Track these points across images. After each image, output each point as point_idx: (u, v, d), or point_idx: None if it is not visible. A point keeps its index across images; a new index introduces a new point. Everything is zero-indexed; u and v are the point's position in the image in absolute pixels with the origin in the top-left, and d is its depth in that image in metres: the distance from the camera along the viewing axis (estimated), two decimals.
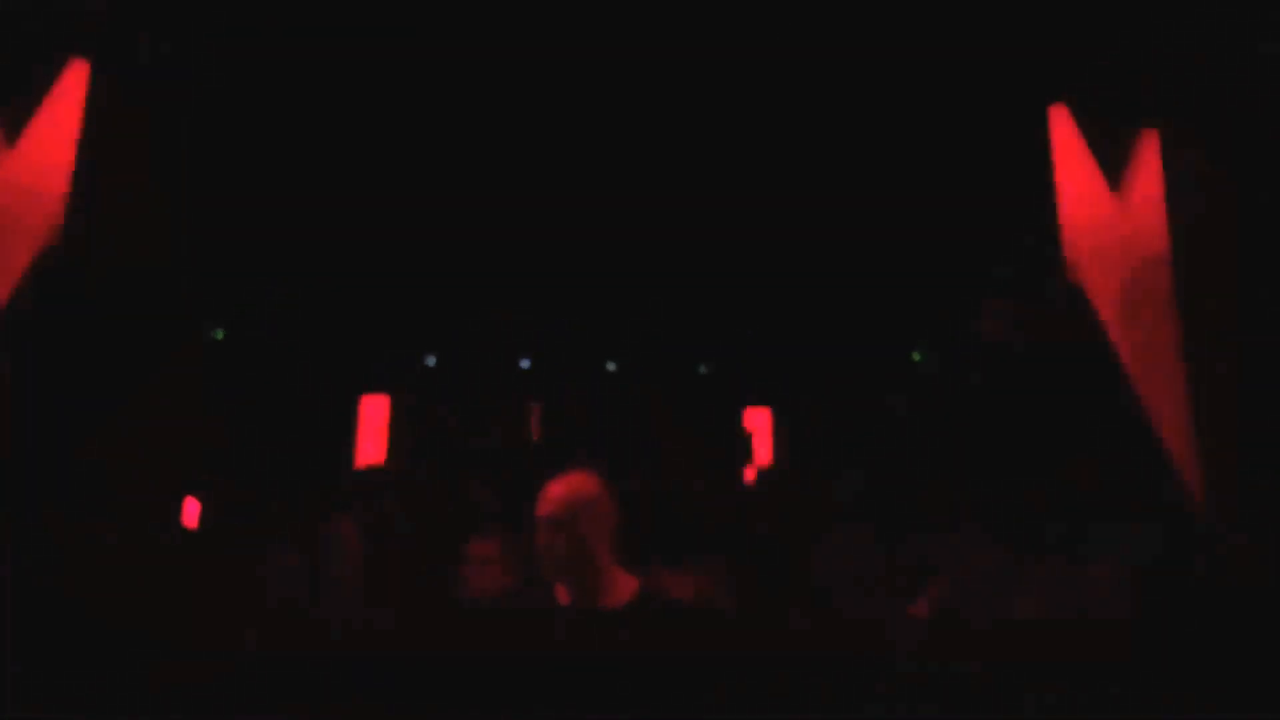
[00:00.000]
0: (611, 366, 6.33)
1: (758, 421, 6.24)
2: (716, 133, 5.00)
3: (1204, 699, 2.86)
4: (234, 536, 4.35)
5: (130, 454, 4.58)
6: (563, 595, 2.52)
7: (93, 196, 4.23)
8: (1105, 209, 4.23)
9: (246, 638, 3.02)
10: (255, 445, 5.52)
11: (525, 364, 6.35)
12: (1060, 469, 4.65)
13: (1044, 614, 3.52)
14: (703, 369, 6.40)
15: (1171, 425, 4.02)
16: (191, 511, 4.84)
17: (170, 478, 4.79)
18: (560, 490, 2.50)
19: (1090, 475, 4.49)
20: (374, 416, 6.13)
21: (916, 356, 6.37)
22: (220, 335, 5.63)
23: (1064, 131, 4.29)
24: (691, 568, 4.16)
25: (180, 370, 5.08)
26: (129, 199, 4.45)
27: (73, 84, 4.32)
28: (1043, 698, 2.94)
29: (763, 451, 6.15)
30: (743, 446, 6.14)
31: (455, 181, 5.29)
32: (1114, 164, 4.28)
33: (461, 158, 5.19)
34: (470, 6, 4.32)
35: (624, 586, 2.51)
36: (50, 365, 4.28)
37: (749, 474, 6.05)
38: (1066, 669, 2.99)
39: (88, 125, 4.27)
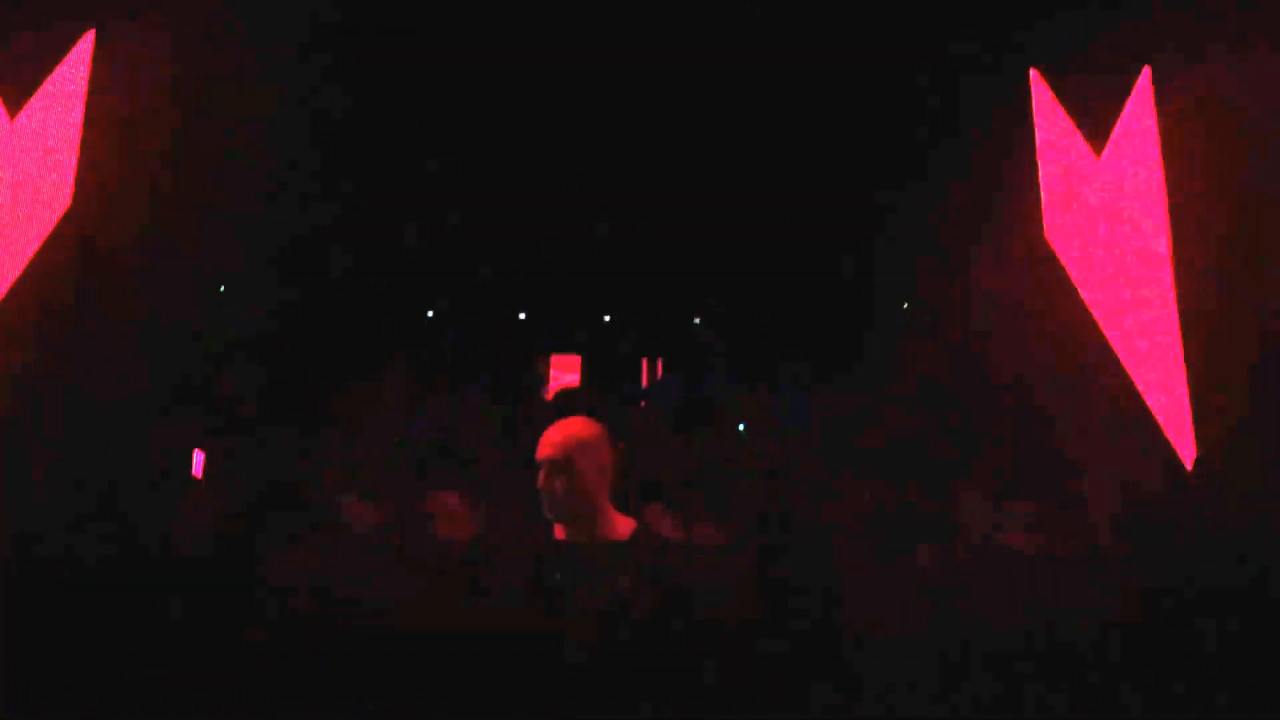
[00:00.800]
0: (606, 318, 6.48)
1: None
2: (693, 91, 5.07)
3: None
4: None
5: None
6: (561, 536, 2.60)
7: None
8: (1089, 171, 4.33)
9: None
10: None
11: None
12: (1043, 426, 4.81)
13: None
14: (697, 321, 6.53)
15: (1161, 386, 4.17)
16: (198, 462, 4.99)
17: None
18: (558, 434, 2.58)
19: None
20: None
21: (905, 305, 6.50)
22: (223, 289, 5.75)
23: (1044, 95, 4.39)
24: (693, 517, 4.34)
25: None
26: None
27: (80, 55, 4.42)
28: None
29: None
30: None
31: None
32: (1099, 124, 4.38)
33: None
34: None
35: (622, 526, 2.60)
36: None
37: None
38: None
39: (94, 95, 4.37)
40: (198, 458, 4.84)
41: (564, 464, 2.56)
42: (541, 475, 2.57)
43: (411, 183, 5.70)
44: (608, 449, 2.62)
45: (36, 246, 4.31)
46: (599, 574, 2.50)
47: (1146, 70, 4.40)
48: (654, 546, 2.59)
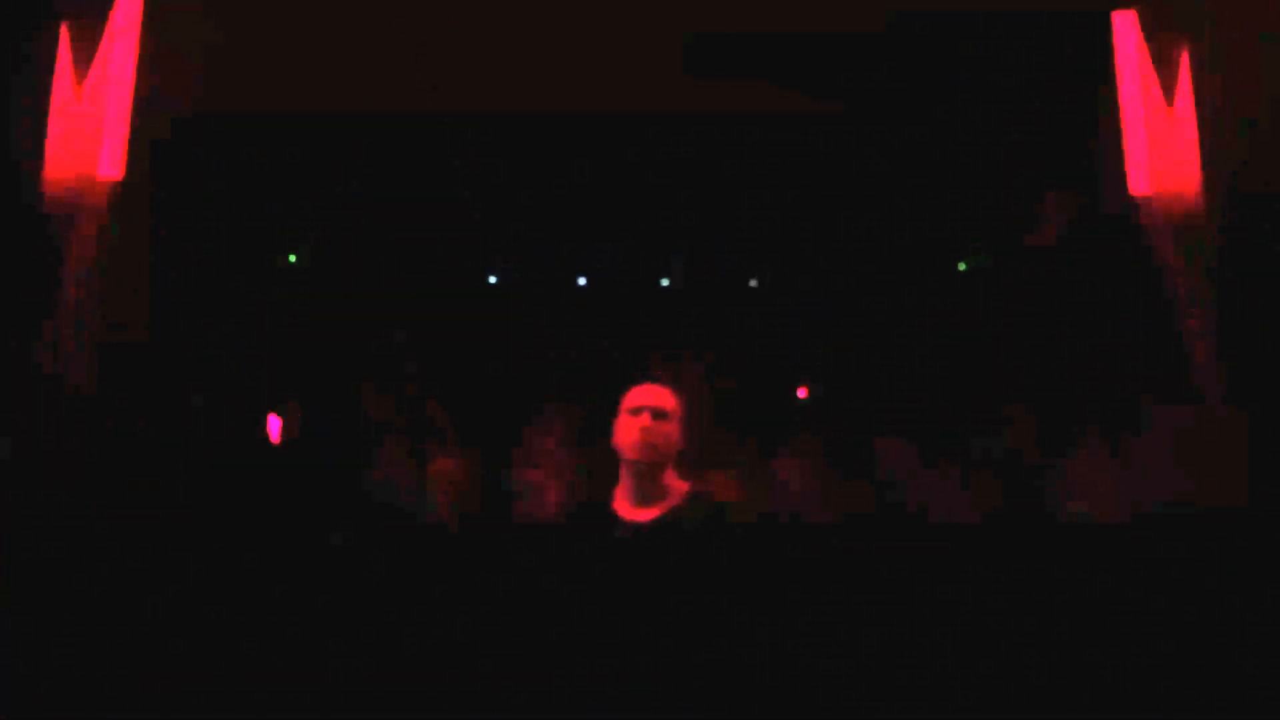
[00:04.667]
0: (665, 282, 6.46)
1: None
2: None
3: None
4: None
5: None
6: (617, 501, 2.76)
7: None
8: (1166, 118, 4.25)
9: None
10: None
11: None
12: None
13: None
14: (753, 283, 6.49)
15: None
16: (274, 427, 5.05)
17: None
18: (649, 388, 2.79)
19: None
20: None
21: (962, 266, 6.43)
22: (293, 259, 5.78)
23: (1127, 39, 4.29)
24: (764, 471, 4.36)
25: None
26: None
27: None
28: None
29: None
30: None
31: None
32: (1174, 73, 4.29)
33: None
34: None
35: (676, 489, 2.75)
36: None
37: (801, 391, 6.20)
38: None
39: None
40: (274, 423, 4.90)
41: (659, 417, 2.74)
42: (638, 423, 2.72)
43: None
44: (688, 421, 2.80)
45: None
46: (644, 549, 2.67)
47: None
48: (699, 516, 2.72)
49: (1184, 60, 4.34)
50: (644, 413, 2.73)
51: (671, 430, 2.75)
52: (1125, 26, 4.33)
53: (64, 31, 4.24)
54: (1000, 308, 5.76)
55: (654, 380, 2.83)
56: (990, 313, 5.81)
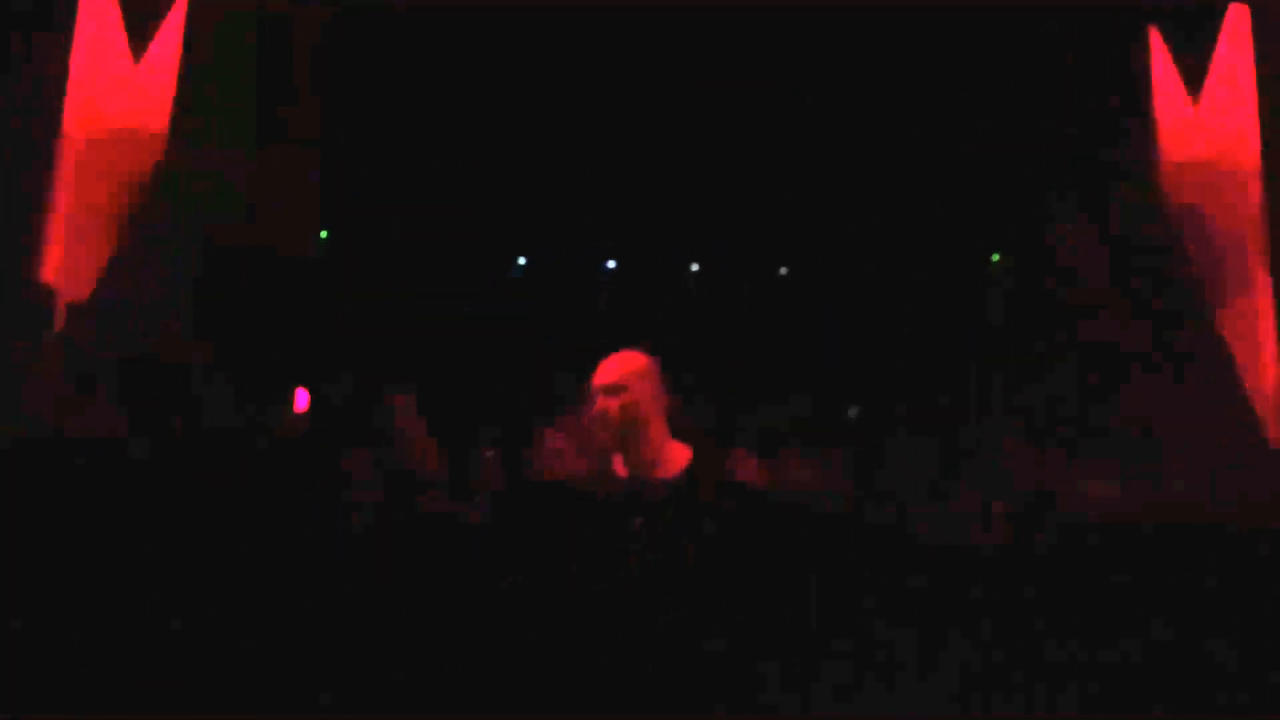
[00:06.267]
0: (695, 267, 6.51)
1: None
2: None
3: None
4: None
5: None
6: (619, 468, 2.70)
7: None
8: (1196, 121, 4.25)
9: None
10: None
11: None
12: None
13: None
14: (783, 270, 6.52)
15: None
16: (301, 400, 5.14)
17: None
18: (612, 362, 2.71)
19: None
20: None
21: (995, 258, 6.43)
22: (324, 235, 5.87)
23: (1161, 50, 4.29)
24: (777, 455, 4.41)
25: None
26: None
27: None
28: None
29: None
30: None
31: None
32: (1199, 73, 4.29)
33: None
34: None
35: (678, 456, 2.69)
36: None
37: None
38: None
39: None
40: (301, 396, 5.00)
41: (617, 387, 2.66)
42: (595, 401, 2.67)
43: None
44: (660, 377, 2.73)
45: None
46: (649, 511, 2.59)
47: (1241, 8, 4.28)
48: (706, 482, 2.67)
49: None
50: (593, 395, 2.69)
51: (642, 393, 2.67)
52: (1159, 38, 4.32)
53: None
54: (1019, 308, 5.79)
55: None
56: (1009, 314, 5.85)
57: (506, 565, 2.79)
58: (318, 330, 5.47)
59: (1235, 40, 4.36)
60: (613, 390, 2.66)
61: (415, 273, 6.23)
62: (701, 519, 2.59)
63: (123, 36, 4.37)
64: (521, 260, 6.35)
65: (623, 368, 2.70)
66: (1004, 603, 3.02)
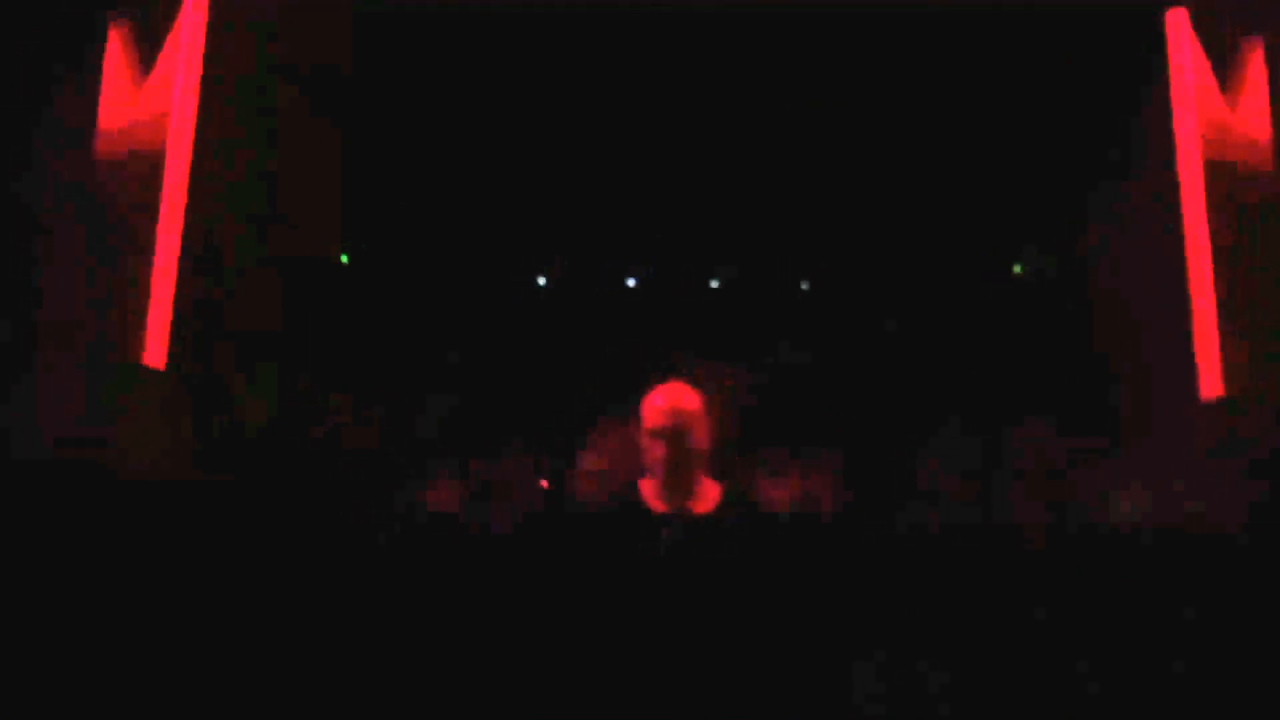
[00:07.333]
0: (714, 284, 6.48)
1: None
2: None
3: None
4: None
5: None
6: (651, 497, 2.69)
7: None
8: (1220, 114, 4.15)
9: None
10: None
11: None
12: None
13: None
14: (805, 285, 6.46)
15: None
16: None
17: None
18: (672, 402, 2.67)
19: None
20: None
21: (1018, 269, 6.34)
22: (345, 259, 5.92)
23: (1180, 37, 4.20)
24: (797, 470, 4.33)
25: None
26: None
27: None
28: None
29: None
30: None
31: None
32: (1229, 70, 4.19)
33: None
34: None
35: (710, 492, 2.69)
36: None
37: None
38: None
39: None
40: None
41: (681, 434, 2.64)
42: (660, 445, 2.64)
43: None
44: (711, 417, 2.72)
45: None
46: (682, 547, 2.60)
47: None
48: (737, 518, 2.68)
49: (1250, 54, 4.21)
50: (661, 438, 2.64)
51: (697, 438, 2.65)
52: (1179, 23, 4.23)
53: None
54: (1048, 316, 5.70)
55: (676, 377, 2.75)
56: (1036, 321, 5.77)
57: (537, 586, 2.81)
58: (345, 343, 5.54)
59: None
60: (666, 433, 2.64)
61: (439, 285, 6.25)
62: (733, 553, 2.60)
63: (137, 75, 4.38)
64: (541, 280, 6.33)
65: (677, 407, 2.67)
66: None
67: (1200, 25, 4.18)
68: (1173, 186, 4.26)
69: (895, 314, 6.20)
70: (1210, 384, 4.07)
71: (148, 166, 4.28)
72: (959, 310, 6.07)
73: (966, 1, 4.58)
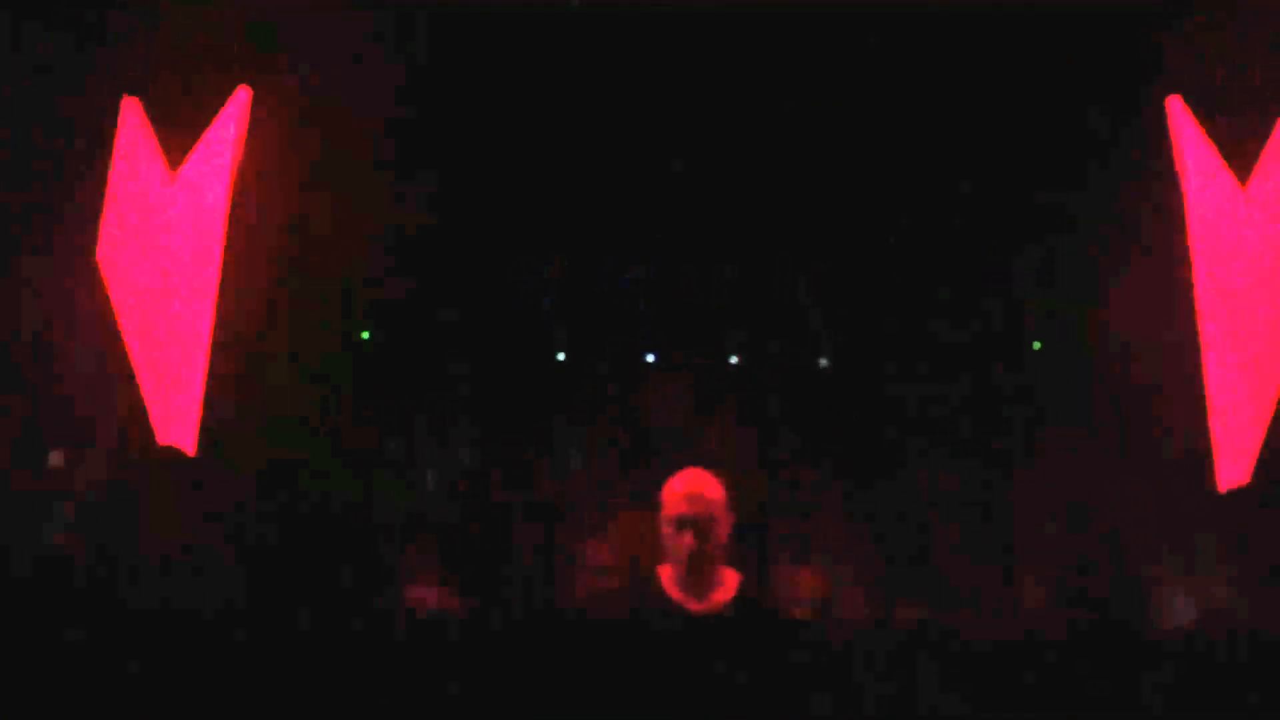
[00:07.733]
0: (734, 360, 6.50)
1: None
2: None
3: None
4: None
5: None
6: (669, 584, 2.69)
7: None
8: (1232, 203, 4.18)
9: None
10: None
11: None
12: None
13: None
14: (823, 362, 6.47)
15: None
16: None
17: None
18: (698, 489, 2.66)
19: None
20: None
21: (1037, 346, 6.36)
22: (367, 335, 5.97)
23: (1185, 124, 4.25)
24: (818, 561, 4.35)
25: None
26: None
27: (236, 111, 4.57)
28: None
29: None
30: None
31: None
32: (1240, 157, 4.23)
33: None
34: None
35: (729, 581, 2.69)
36: None
37: None
38: None
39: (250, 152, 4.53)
40: None
41: (708, 523, 2.62)
42: (687, 533, 2.61)
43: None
44: (731, 505, 2.71)
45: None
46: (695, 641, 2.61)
47: None
48: (751, 613, 2.69)
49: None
50: (687, 530, 2.62)
51: (720, 530, 2.64)
52: (1181, 111, 4.28)
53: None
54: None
55: (697, 464, 2.74)
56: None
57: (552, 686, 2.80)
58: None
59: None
60: (689, 523, 2.61)
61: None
62: (751, 648, 2.60)
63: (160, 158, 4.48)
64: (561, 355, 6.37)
65: (698, 496, 2.65)
66: None
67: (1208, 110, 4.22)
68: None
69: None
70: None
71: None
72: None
73: (967, 1, 4.59)
